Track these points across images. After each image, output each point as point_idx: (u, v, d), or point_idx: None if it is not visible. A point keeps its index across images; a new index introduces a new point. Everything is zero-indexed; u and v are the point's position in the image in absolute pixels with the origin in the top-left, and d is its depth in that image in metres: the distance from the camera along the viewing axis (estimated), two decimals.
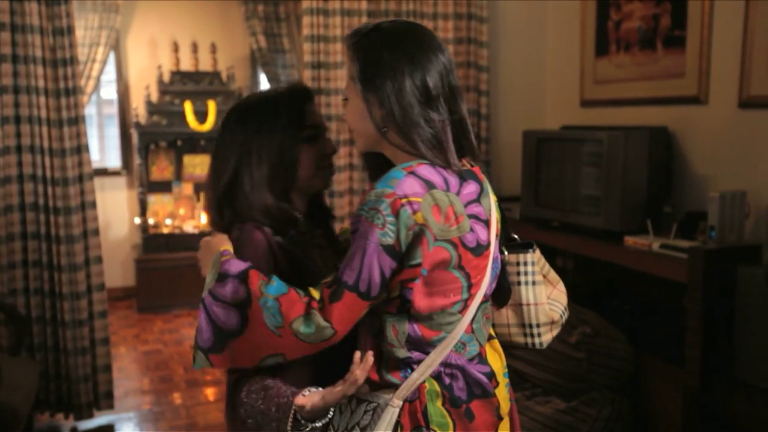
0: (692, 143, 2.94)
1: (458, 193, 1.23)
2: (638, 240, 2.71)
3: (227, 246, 1.33)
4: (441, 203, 1.19)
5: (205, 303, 1.26)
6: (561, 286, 1.50)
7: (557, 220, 3.15)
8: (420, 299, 1.21)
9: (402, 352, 1.24)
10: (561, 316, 1.46)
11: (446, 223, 1.20)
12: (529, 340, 1.43)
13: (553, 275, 1.50)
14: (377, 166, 1.34)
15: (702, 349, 2.37)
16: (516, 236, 1.45)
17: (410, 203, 1.17)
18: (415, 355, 1.24)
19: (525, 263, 1.42)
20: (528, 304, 1.41)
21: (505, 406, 1.33)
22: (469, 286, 1.25)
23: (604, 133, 2.83)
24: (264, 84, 5.84)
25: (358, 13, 3.52)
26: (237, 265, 1.25)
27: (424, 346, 1.24)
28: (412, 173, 1.20)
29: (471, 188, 1.26)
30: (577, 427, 2.71)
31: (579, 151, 3.00)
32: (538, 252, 1.45)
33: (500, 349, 1.38)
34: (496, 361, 1.34)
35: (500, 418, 1.32)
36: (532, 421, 2.78)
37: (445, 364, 1.26)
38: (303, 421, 1.23)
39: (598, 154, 2.86)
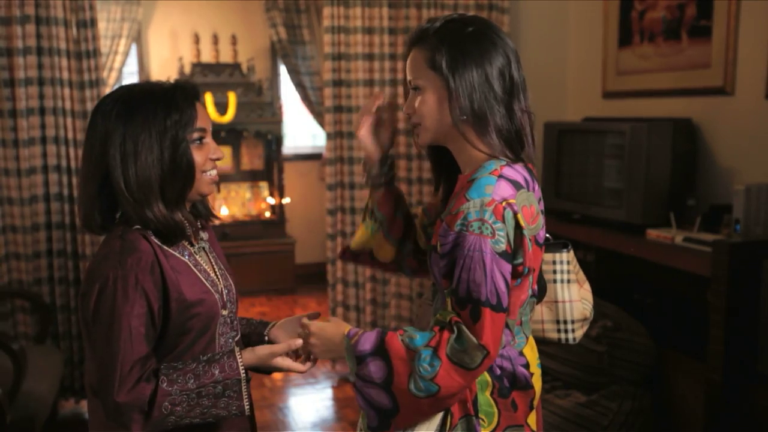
0: (717, 135, 2.89)
1: (534, 190, 1.26)
2: (661, 233, 2.68)
3: (346, 327, 1.29)
4: (527, 203, 1.22)
5: (357, 387, 1.24)
6: (587, 286, 1.51)
7: (578, 212, 3.13)
8: (513, 299, 1.25)
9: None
10: (591, 313, 1.48)
11: (532, 223, 1.23)
12: (563, 335, 1.44)
13: (581, 275, 1.51)
14: (438, 161, 1.37)
15: (725, 343, 2.35)
16: (549, 236, 1.46)
17: (510, 205, 1.19)
18: None
19: (561, 262, 1.43)
20: (564, 301, 1.43)
21: (537, 397, 1.35)
22: (533, 280, 1.29)
23: (627, 125, 2.79)
24: (285, 76, 5.84)
25: (378, 4, 3.50)
26: (369, 341, 1.22)
27: None
28: (501, 176, 1.21)
29: (535, 184, 1.29)
30: (597, 420, 2.70)
31: (601, 143, 2.97)
32: (572, 252, 1.47)
33: (533, 342, 1.40)
34: (529, 351, 1.36)
35: (532, 409, 1.33)
36: (553, 415, 2.76)
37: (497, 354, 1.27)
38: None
39: (620, 146, 2.83)
